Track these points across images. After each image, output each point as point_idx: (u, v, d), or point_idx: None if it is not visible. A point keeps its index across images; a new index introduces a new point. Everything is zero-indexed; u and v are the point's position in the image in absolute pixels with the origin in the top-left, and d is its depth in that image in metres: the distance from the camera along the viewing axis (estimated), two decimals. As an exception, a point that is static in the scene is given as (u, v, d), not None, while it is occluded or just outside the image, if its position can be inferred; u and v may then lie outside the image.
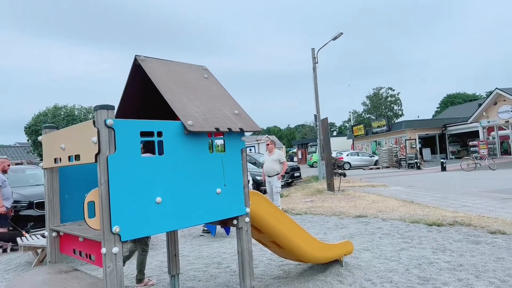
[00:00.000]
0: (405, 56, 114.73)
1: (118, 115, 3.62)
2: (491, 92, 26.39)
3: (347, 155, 31.01)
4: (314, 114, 17.57)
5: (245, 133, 3.39)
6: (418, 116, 58.45)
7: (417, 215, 7.19)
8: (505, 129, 26.52)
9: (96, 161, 2.43)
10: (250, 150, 26.76)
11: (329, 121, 13.38)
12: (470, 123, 28.19)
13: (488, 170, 18.47)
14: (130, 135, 2.53)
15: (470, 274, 4.00)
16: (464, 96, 62.45)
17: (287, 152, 72.29)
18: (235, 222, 3.22)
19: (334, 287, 4.00)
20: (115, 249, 2.40)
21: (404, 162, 26.33)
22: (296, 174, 17.77)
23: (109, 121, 2.42)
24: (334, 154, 36.07)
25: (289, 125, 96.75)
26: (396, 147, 29.59)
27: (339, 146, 41.22)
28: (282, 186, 15.69)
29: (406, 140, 29.73)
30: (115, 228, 2.39)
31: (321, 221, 7.71)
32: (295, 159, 48.53)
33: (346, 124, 75.41)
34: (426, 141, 33.31)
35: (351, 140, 42.30)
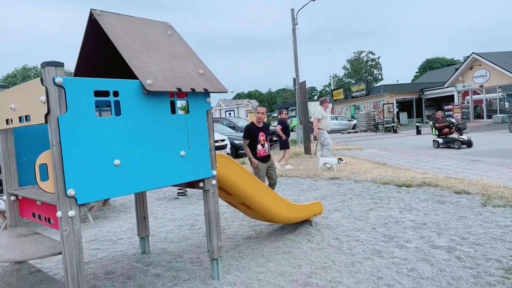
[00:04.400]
0: (388, 20, 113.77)
1: (76, 75, 3.44)
2: (468, 57, 26.64)
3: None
4: (293, 78, 17.40)
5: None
6: (398, 81, 58.82)
7: (388, 176, 7.36)
8: (479, 94, 27.08)
9: (46, 121, 2.30)
10: (230, 114, 26.51)
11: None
12: (446, 87, 28.63)
13: (461, 133, 18.99)
14: (82, 95, 2.39)
15: (433, 232, 4.15)
16: (442, 60, 62.97)
17: (267, 116, 72.24)
18: (201, 184, 3.18)
19: (302, 246, 4.09)
20: (71, 213, 2.33)
21: (381, 126, 26.77)
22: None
23: (58, 79, 2.27)
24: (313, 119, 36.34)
25: (270, 89, 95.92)
26: (374, 111, 29.97)
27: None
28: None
29: (384, 104, 30.07)
30: (70, 191, 2.31)
31: (295, 183, 7.81)
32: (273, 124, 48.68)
33: (327, 89, 75.38)
34: (404, 105, 33.81)
35: (331, 104, 42.51)
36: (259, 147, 5.52)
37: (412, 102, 33.58)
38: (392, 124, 25.31)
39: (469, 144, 12.78)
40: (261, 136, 5.55)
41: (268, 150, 5.60)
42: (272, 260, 3.73)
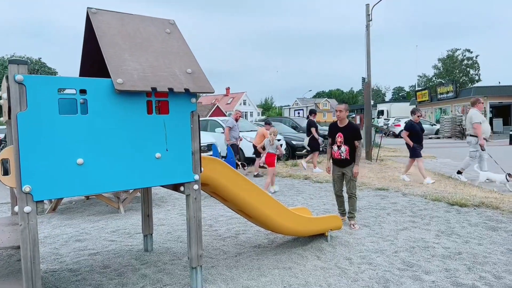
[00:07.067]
0: (488, 13, 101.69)
1: (81, 75, 3.55)
2: None
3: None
4: (362, 77, 16.41)
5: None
6: (500, 82, 52.12)
7: (444, 192, 6.47)
8: None
9: (9, 118, 2.37)
10: (299, 113, 26.05)
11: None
12: (555, 91, 24.60)
13: None
14: (44, 92, 2.41)
15: (463, 265, 3.48)
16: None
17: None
18: (182, 188, 3.05)
19: (307, 262, 3.74)
20: (27, 208, 2.36)
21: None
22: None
23: (18, 77, 2.31)
24: (391, 121, 34.09)
25: (352, 88, 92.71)
26: (462, 116, 27.01)
27: (401, 112, 38.70)
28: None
29: (474, 108, 26.90)
30: (25, 188, 2.34)
31: (338, 191, 7.27)
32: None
33: (413, 89, 70.26)
34: (499, 111, 29.94)
35: (414, 106, 39.43)
36: (335, 148, 5.08)
37: (510, 107, 29.57)
38: (481, 131, 22.49)
39: None
40: (339, 137, 5.03)
41: (347, 155, 4.94)
42: (267, 275, 3.46)
